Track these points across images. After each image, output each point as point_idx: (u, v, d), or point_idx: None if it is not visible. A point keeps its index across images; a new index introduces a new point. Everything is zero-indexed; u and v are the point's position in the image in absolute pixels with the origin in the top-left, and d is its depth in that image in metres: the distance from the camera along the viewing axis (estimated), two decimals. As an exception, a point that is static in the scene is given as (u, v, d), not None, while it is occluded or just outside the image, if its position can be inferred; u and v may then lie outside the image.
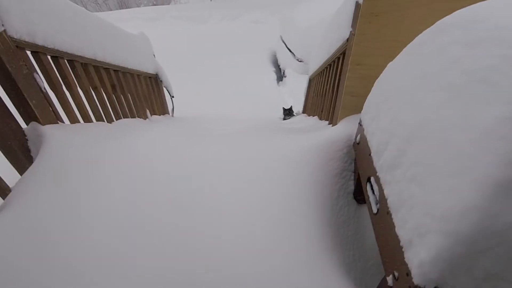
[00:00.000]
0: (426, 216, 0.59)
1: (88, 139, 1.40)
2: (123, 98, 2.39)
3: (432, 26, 0.76)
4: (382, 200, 0.84)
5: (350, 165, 1.28)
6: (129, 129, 1.99)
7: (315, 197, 1.15)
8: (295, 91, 4.14)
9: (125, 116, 2.40)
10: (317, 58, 2.27)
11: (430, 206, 0.59)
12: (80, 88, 1.74)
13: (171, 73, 4.48)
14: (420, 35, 0.80)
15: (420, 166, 0.66)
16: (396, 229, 0.72)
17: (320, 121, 1.85)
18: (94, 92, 2.01)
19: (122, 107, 2.36)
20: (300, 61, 4.62)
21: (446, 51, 0.69)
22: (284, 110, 3.65)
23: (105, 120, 2.08)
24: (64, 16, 1.52)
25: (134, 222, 0.99)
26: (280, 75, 5.19)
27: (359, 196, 1.25)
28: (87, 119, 1.75)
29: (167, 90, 3.15)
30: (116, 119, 2.25)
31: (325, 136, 1.28)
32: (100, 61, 1.98)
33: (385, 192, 0.82)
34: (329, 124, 1.60)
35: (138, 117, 2.63)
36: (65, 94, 1.56)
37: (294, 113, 3.62)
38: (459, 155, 0.57)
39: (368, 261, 1.13)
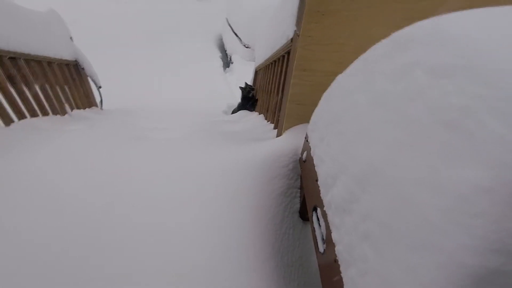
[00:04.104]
0: (383, 296, 0.47)
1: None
2: (27, 92, 1.92)
3: (387, 39, 0.62)
4: (329, 242, 0.72)
5: (296, 181, 1.15)
6: (33, 134, 1.59)
7: (256, 225, 1.00)
8: (243, 80, 3.91)
9: (34, 115, 1.94)
10: (263, 49, 2.07)
11: (388, 285, 0.47)
12: None
13: (101, 57, 3.87)
14: (372, 48, 0.65)
15: (374, 224, 0.53)
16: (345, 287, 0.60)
17: (265, 122, 1.69)
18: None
19: (27, 103, 1.90)
20: (247, 47, 4.36)
21: (406, 75, 0.55)
22: (244, 97, 2.67)
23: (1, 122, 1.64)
24: None
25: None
26: (227, 61, 4.87)
27: (306, 214, 1.14)
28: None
29: (92, 79, 2.66)
30: (19, 120, 1.80)
31: (269, 150, 1.12)
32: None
33: (333, 236, 0.69)
34: (274, 128, 1.45)
35: (53, 113, 2.17)
36: None
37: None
38: (423, 223, 0.44)
39: (314, 290, 1.04)
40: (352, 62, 0.79)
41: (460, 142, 0.42)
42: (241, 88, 2.81)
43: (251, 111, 2.59)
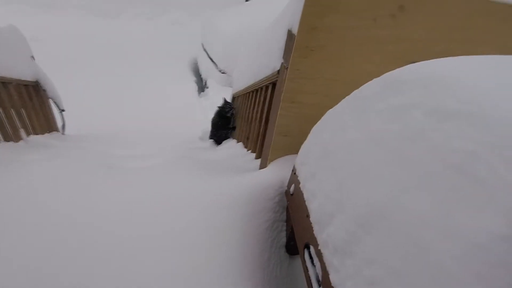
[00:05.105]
0: None
1: None
2: (-25, 116, 1.71)
3: (379, 79, 0.63)
4: (327, 285, 0.68)
5: (281, 214, 1.11)
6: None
7: (243, 266, 0.93)
8: (218, 105, 3.89)
9: (-19, 141, 1.72)
10: (242, 76, 2.08)
11: None
12: None
13: (66, 78, 3.65)
14: (365, 86, 0.66)
15: (381, 269, 0.50)
16: None
17: (245, 151, 1.65)
18: None
19: (-27, 128, 1.68)
20: (223, 73, 4.40)
21: (402, 115, 0.56)
22: (222, 116, 2.34)
23: None
24: None
25: None
26: (202, 86, 4.86)
27: (293, 248, 1.09)
28: None
29: (54, 102, 2.46)
30: (-37, 147, 1.58)
31: (255, 183, 1.08)
32: None
33: (332, 278, 0.65)
34: (256, 158, 1.41)
35: (5, 140, 1.94)
36: None
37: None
38: (437, 270, 0.42)
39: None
40: (339, 95, 0.80)
41: (471, 188, 0.41)
42: (219, 106, 2.47)
43: (222, 141, 2.32)
